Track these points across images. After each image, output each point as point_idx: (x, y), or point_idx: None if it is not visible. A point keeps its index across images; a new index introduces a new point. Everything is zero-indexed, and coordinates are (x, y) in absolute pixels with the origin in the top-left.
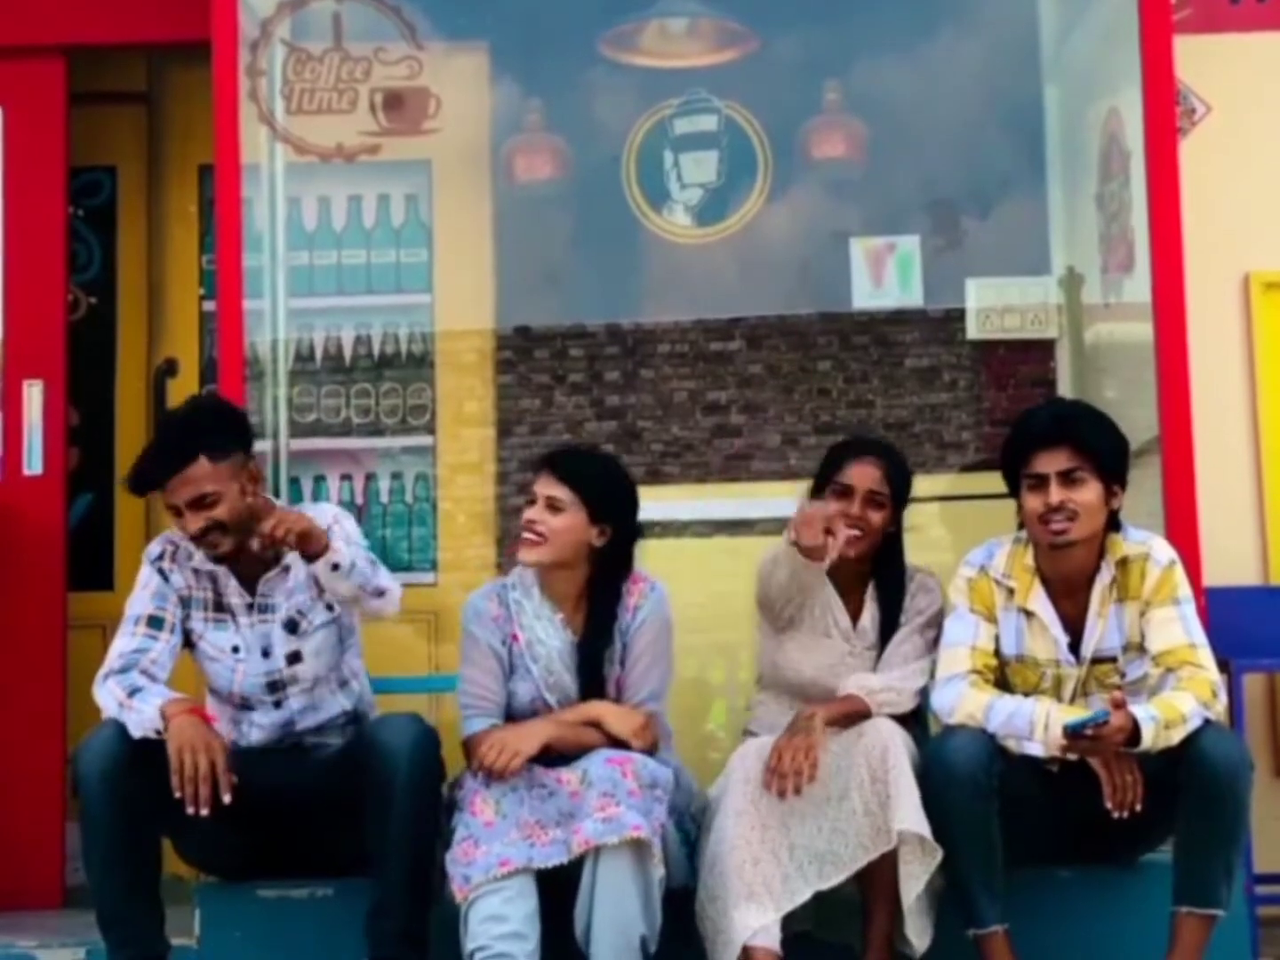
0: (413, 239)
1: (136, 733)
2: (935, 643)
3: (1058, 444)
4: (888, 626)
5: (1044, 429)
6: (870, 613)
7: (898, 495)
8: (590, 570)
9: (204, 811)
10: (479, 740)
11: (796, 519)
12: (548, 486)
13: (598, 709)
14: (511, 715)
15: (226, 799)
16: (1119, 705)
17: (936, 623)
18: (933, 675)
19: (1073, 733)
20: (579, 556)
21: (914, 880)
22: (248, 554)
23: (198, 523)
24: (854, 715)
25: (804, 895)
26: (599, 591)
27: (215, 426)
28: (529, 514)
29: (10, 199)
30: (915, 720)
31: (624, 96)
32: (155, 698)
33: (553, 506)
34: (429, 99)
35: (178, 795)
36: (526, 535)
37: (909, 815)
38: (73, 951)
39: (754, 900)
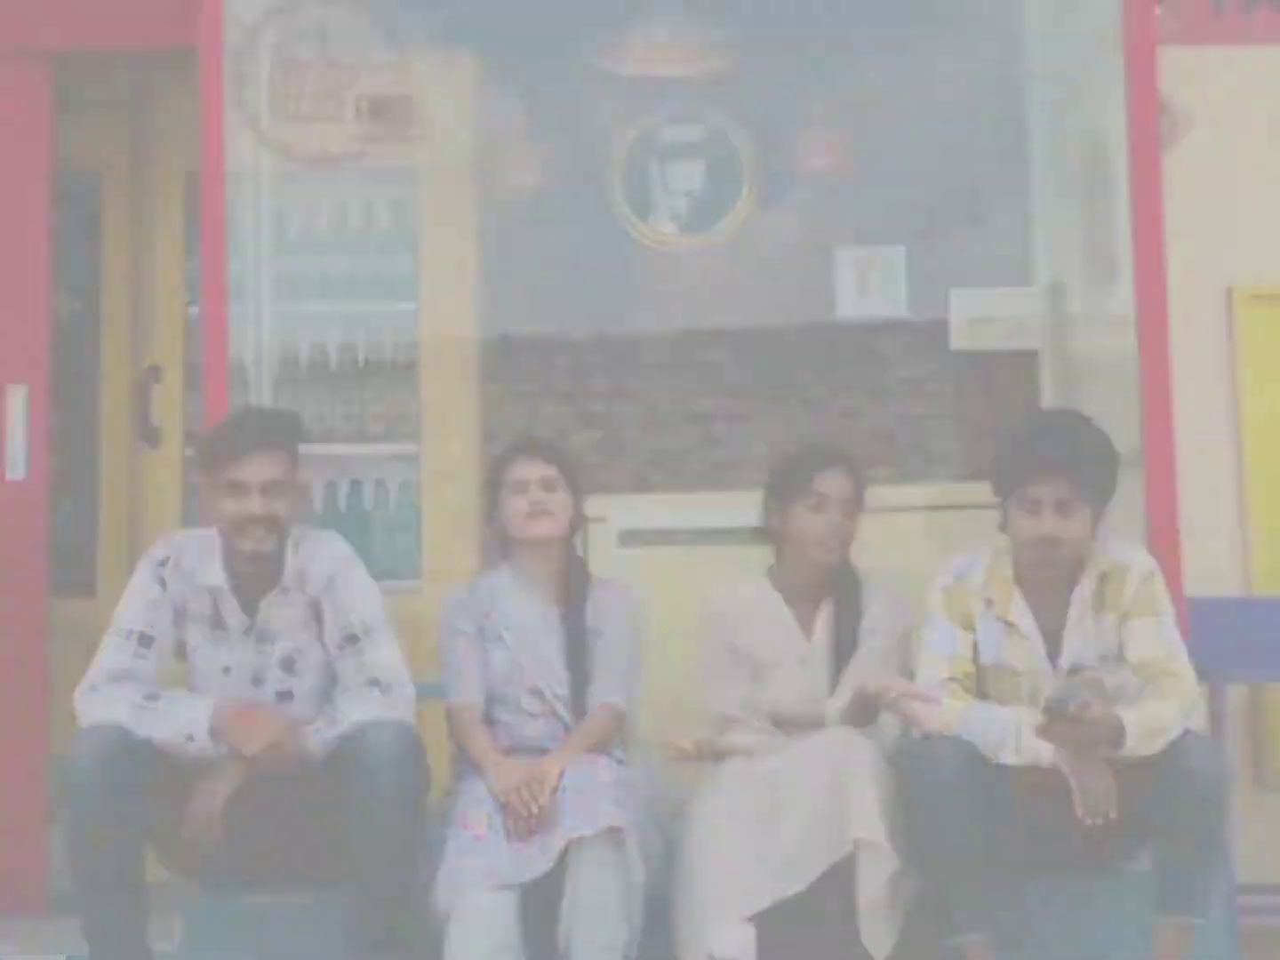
0: (398, 246)
1: (164, 733)
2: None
3: (1058, 473)
4: (845, 630)
5: (1047, 456)
6: (824, 620)
7: (861, 502)
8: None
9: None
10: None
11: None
12: (537, 469)
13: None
14: (490, 683)
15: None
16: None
17: (909, 642)
18: None
19: (1054, 709)
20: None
21: (870, 886)
22: (251, 572)
23: (260, 506)
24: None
25: (762, 903)
26: (572, 563)
27: (300, 440)
28: (532, 497)
29: None
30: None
31: (610, 106)
32: (193, 700)
33: (548, 485)
34: (415, 107)
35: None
36: (537, 512)
37: (864, 822)
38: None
39: (713, 908)
